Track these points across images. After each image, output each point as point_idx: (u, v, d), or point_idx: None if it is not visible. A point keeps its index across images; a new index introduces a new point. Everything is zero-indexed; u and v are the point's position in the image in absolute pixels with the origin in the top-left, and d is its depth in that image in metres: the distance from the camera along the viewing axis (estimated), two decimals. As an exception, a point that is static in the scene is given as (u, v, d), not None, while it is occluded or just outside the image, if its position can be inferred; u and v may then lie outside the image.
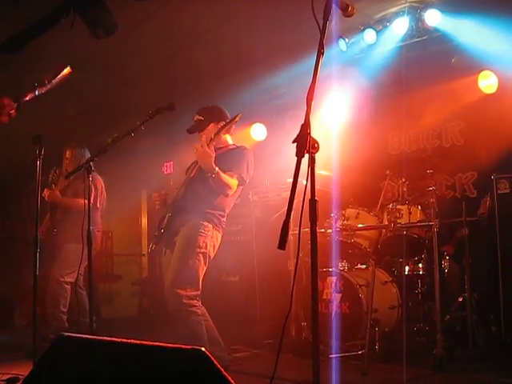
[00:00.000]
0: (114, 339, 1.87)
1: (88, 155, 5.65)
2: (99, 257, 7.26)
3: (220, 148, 4.23)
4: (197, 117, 4.37)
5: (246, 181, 4.24)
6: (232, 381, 1.63)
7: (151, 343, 1.79)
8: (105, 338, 1.93)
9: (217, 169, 3.95)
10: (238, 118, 4.10)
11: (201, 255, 4.06)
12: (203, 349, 1.64)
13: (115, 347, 1.85)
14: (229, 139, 4.44)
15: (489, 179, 4.92)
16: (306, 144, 2.09)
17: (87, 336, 2.16)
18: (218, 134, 4.08)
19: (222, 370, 1.63)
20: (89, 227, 4.03)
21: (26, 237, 7.19)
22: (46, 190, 5.51)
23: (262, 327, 5.48)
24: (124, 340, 1.84)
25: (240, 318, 5.17)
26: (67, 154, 5.75)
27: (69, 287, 5.39)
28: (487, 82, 5.69)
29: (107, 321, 7.56)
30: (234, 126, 4.42)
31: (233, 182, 4.12)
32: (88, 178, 4.10)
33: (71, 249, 5.24)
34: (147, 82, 6.70)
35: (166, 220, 4.20)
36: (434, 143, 6.23)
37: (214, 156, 3.93)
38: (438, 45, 5.75)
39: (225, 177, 4.04)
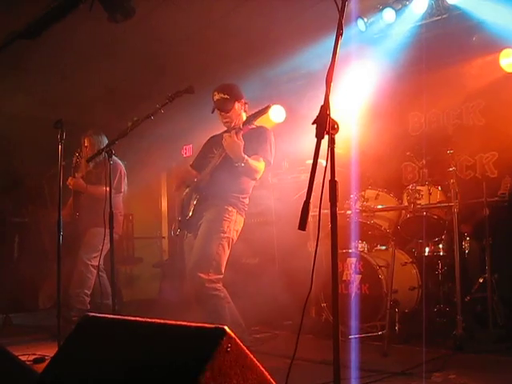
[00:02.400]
0: (138, 319, 1.90)
1: (106, 141, 5.69)
2: (120, 240, 7.33)
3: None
4: (220, 95, 4.28)
5: (271, 162, 4.24)
6: (255, 359, 1.66)
7: (175, 322, 1.81)
8: (129, 317, 1.96)
9: (246, 157, 3.95)
10: (268, 110, 4.04)
11: (224, 240, 4.08)
12: (226, 327, 1.66)
13: (139, 327, 1.89)
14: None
15: (510, 159, 4.86)
16: (325, 125, 2.08)
17: (112, 316, 2.20)
18: (248, 123, 4.02)
19: (245, 348, 1.65)
20: (111, 211, 4.08)
21: (49, 221, 7.28)
22: (70, 178, 5.60)
23: (283, 308, 5.51)
24: (148, 319, 1.87)
25: (260, 299, 5.19)
26: (85, 142, 5.79)
27: (95, 271, 5.45)
28: (509, 61, 5.58)
29: (128, 303, 7.65)
30: (247, 105, 4.42)
31: (260, 165, 4.13)
32: (109, 161, 4.14)
33: (95, 233, 5.33)
34: (166, 65, 6.70)
35: (191, 206, 4.22)
36: (454, 123, 6.15)
37: (242, 145, 3.93)
38: (459, 23, 5.66)
39: (253, 163, 4.05)
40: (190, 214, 4.19)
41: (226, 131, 4.35)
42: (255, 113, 4.00)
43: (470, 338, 4.36)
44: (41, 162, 7.11)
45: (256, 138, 4.20)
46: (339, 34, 2.25)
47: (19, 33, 5.28)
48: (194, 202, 4.21)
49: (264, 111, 3.98)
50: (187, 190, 4.37)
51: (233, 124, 4.30)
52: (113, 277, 4.23)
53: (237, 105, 4.30)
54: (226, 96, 4.28)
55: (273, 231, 6.13)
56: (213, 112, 4.35)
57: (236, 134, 3.93)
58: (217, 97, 4.31)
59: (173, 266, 7.81)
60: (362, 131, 5.65)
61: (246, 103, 4.40)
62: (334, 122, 2.13)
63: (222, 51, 6.43)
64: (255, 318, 5.19)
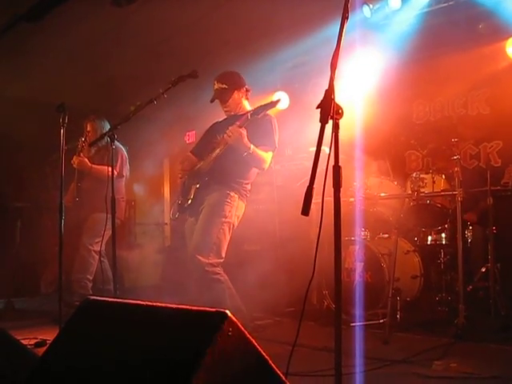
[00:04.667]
0: (139, 302, 1.90)
1: (108, 126, 5.66)
2: (122, 225, 7.32)
3: (242, 115, 4.19)
4: (218, 85, 4.31)
5: (277, 146, 4.25)
6: (256, 345, 1.65)
7: (176, 306, 1.81)
8: (130, 301, 1.95)
9: (252, 147, 3.95)
10: (277, 104, 4.02)
11: (225, 224, 4.08)
12: (227, 311, 1.65)
13: (140, 310, 1.88)
14: (247, 105, 4.40)
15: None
16: (329, 110, 2.06)
17: (112, 299, 2.19)
18: (256, 114, 3.96)
19: (246, 332, 1.64)
20: (113, 196, 4.07)
21: (51, 206, 7.28)
22: (75, 157, 5.56)
23: (284, 295, 5.51)
24: (149, 303, 1.87)
25: (262, 286, 5.20)
26: (88, 127, 5.75)
27: (97, 256, 5.45)
28: (515, 49, 5.55)
29: (130, 289, 7.64)
30: (249, 92, 4.40)
31: (267, 156, 4.14)
32: (111, 146, 4.12)
33: (98, 218, 5.30)
34: (169, 50, 6.67)
35: (192, 190, 4.21)
36: (459, 112, 6.11)
37: (245, 134, 3.92)
38: (465, 10, 5.61)
39: (260, 153, 4.05)
40: (191, 198, 4.19)
41: (227, 118, 4.35)
42: (264, 105, 3.97)
43: (471, 327, 4.33)
44: (43, 147, 7.11)
45: (261, 126, 4.17)
46: (345, 18, 2.22)
47: (21, 16, 5.24)
48: (196, 187, 4.20)
49: (273, 105, 3.98)
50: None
51: (232, 113, 4.32)
52: (114, 262, 4.22)
53: (236, 94, 4.31)
54: (224, 86, 4.30)
55: (275, 218, 6.12)
56: (212, 101, 4.37)
57: (239, 126, 3.93)
58: (216, 86, 4.34)
59: (175, 252, 7.82)
60: (366, 119, 5.61)
61: (247, 90, 4.40)
62: (339, 107, 2.11)
63: (226, 37, 6.40)
64: (257, 305, 5.20)
